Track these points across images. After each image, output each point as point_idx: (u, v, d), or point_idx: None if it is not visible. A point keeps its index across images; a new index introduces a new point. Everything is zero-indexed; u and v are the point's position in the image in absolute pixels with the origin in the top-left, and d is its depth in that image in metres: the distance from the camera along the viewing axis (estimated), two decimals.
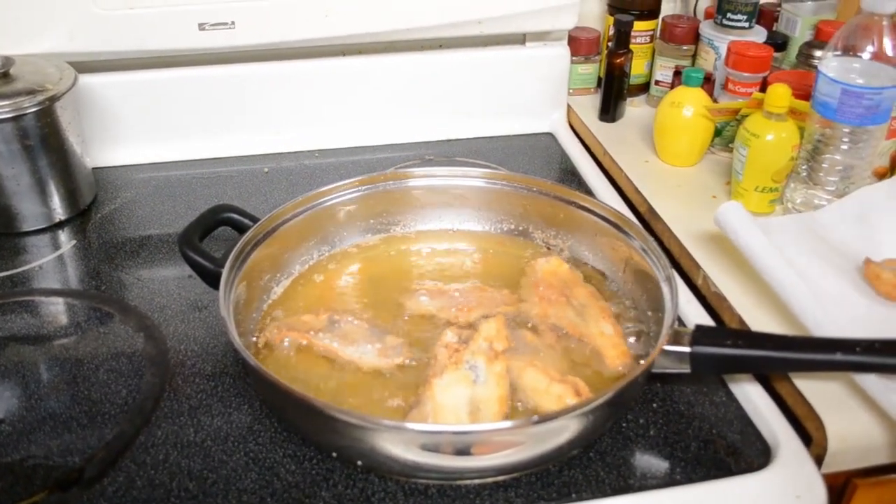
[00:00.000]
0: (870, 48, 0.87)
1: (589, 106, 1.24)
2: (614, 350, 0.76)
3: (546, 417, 0.63)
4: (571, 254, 0.90)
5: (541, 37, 1.20)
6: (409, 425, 0.64)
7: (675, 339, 0.70)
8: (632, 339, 0.78)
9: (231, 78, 1.12)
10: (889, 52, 0.87)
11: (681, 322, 0.83)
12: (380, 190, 0.90)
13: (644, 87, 1.26)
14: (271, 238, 0.83)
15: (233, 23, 1.07)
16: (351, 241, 0.91)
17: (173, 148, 1.14)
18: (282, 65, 1.14)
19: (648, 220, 0.99)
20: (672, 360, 0.70)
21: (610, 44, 1.18)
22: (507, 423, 0.64)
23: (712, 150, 1.09)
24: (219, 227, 0.85)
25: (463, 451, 0.64)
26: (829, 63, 0.89)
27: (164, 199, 1.06)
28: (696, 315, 0.84)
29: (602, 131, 1.17)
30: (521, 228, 0.93)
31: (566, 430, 0.65)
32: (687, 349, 0.70)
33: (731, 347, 0.70)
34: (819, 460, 0.70)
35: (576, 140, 1.19)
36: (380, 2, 1.10)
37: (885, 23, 0.86)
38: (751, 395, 0.74)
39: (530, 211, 0.92)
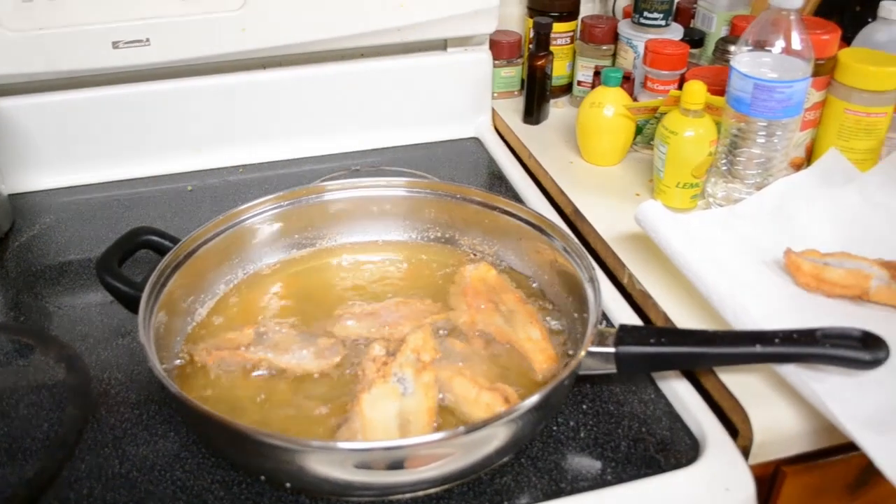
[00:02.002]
0: (780, 42, 0.89)
1: (513, 109, 1.24)
2: (542, 354, 0.76)
3: (474, 427, 0.62)
4: (499, 259, 0.90)
5: (462, 42, 1.20)
6: (334, 444, 0.64)
7: (600, 340, 0.71)
8: (559, 342, 0.79)
9: (149, 96, 1.10)
10: (797, 45, 0.88)
11: (608, 322, 0.84)
12: (303, 205, 0.89)
13: (567, 88, 1.27)
14: (193, 259, 0.82)
15: (147, 40, 1.05)
16: (276, 257, 0.90)
17: (92, 170, 1.12)
18: (201, 80, 1.12)
19: (574, 221, 1.00)
20: (598, 361, 0.71)
21: (531, 46, 1.18)
22: (436, 436, 0.63)
23: (635, 147, 1.11)
24: (138, 250, 0.84)
25: (394, 466, 0.63)
26: (742, 58, 0.91)
27: (84, 224, 1.03)
28: (622, 314, 0.84)
29: (527, 134, 1.18)
30: (447, 236, 0.93)
31: (495, 438, 0.65)
32: (612, 350, 0.70)
33: (654, 346, 0.70)
34: (746, 452, 0.71)
35: (501, 143, 1.20)
36: (297, 14, 1.09)
37: (792, 17, 0.88)
38: (678, 391, 0.75)
39: (455, 218, 0.92)
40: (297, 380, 0.75)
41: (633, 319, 0.84)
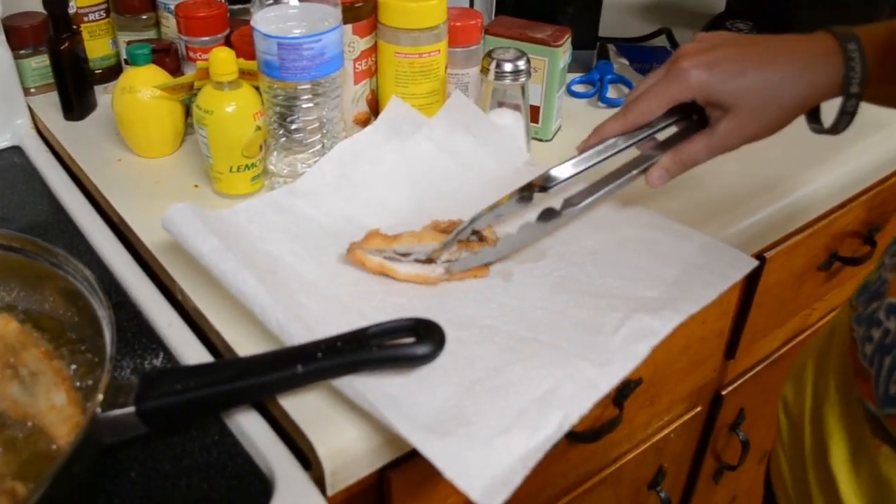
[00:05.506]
0: None
1: (57, 104, 1.05)
2: (66, 426, 0.61)
3: None
4: (25, 306, 0.73)
5: None
6: None
7: (115, 398, 0.57)
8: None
9: None
10: None
11: (169, 359, 0.69)
12: None
13: (118, 69, 1.09)
14: None
15: None
16: None
17: None
18: None
19: (124, 233, 0.84)
20: (121, 425, 0.57)
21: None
22: None
23: (192, 130, 0.96)
24: None
25: None
26: (264, 15, 0.79)
27: None
28: (183, 343, 0.70)
29: (70, 132, 0.99)
30: None
31: None
32: (131, 409, 0.57)
33: (181, 393, 0.58)
34: (322, 482, 0.61)
35: (46, 149, 1.01)
36: None
37: None
38: (245, 427, 0.63)
39: None
40: None
41: (197, 348, 0.70)
